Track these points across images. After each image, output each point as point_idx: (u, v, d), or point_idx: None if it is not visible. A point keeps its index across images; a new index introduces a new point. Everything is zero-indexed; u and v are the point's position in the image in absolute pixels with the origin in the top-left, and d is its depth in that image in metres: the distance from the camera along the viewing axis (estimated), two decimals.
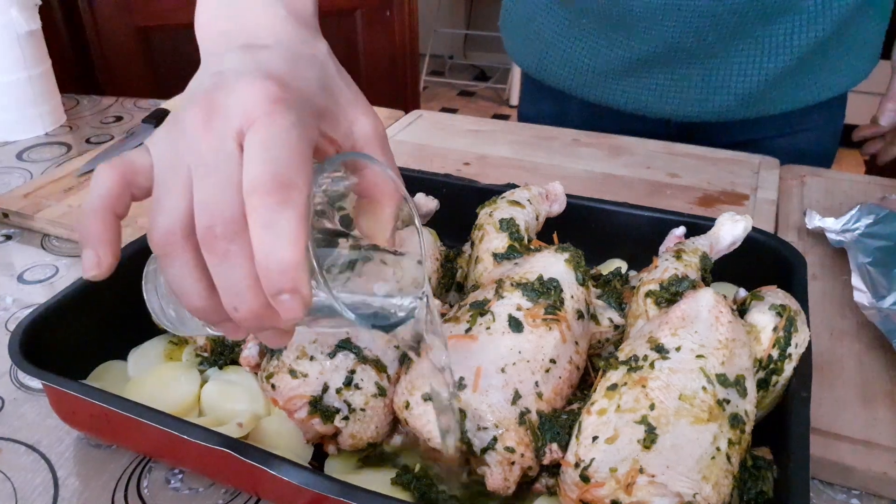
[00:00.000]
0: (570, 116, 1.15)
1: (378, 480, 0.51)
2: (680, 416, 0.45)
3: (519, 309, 0.53)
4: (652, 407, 0.45)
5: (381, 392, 0.52)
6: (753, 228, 0.65)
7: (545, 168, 1.00)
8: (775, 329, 0.52)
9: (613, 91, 1.03)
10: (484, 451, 0.48)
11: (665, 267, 0.58)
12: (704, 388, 0.46)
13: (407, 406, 0.50)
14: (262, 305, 0.35)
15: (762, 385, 0.52)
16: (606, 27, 0.97)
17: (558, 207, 0.70)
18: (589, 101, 1.07)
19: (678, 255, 0.60)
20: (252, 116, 0.35)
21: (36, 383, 0.65)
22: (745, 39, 0.92)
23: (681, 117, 1.01)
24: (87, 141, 1.16)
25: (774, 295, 0.56)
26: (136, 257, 0.66)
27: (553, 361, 0.51)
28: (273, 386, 0.52)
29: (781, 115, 1.01)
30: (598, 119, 1.12)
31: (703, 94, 0.98)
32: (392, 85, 2.51)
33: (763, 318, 0.53)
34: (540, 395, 0.50)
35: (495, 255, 0.61)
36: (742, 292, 0.60)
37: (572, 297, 0.55)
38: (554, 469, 0.49)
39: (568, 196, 0.71)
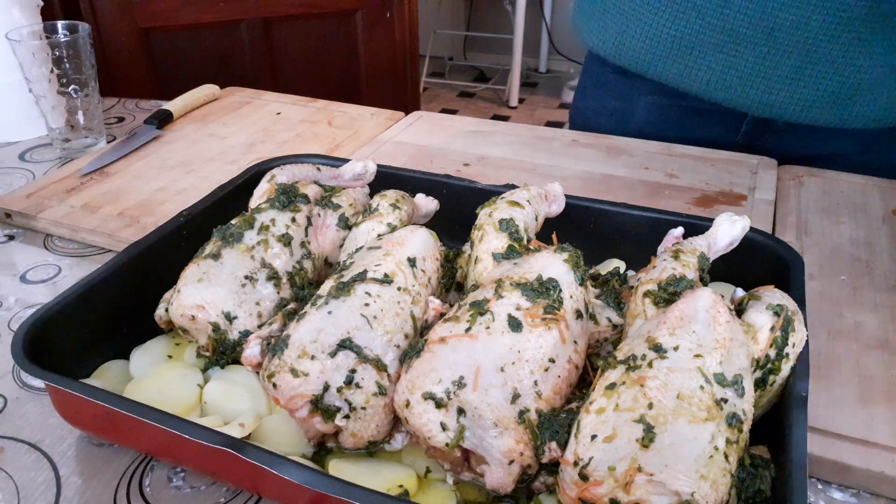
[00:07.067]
0: (635, 114, 1.10)
1: (379, 479, 0.52)
2: (678, 415, 0.45)
3: (518, 309, 0.53)
4: (650, 406, 0.46)
5: (382, 391, 0.52)
6: (751, 229, 0.66)
7: (544, 169, 1.01)
8: (773, 329, 0.53)
9: (698, 67, 0.97)
10: (483, 449, 0.48)
11: (663, 267, 0.58)
12: (702, 388, 0.47)
13: (407, 405, 0.50)
14: None
15: (760, 384, 0.52)
16: None
17: (557, 208, 0.70)
18: (665, 83, 1.01)
19: (676, 255, 0.60)
20: None
21: (38, 383, 0.65)
22: (849, 38, 0.86)
23: (762, 108, 0.96)
24: None
25: (772, 295, 0.56)
26: (138, 258, 0.67)
27: (552, 361, 0.51)
28: (274, 385, 0.52)
29: (864, 132, 0.96)
30: (664, 118, 1.07)
31: (792, 85, 0.92)
32: (392, 86, 2.51)
33: (760, 318, 0.53)
34: (539, 395, 0.50)
35: (495, 256, 0.62)
36: (740, 292, 0.60)
37: (571, 296, 0.55)
38: (553, 468, 0.49)
39: (567, 196, 0.71)
